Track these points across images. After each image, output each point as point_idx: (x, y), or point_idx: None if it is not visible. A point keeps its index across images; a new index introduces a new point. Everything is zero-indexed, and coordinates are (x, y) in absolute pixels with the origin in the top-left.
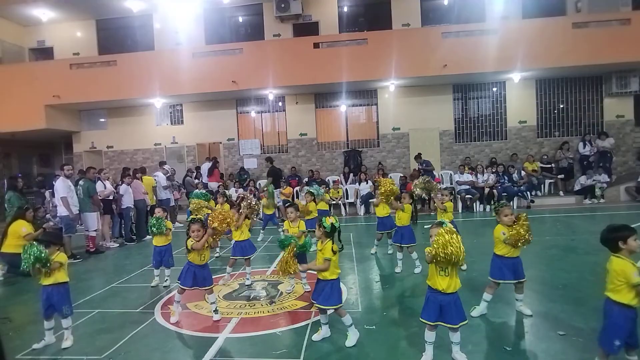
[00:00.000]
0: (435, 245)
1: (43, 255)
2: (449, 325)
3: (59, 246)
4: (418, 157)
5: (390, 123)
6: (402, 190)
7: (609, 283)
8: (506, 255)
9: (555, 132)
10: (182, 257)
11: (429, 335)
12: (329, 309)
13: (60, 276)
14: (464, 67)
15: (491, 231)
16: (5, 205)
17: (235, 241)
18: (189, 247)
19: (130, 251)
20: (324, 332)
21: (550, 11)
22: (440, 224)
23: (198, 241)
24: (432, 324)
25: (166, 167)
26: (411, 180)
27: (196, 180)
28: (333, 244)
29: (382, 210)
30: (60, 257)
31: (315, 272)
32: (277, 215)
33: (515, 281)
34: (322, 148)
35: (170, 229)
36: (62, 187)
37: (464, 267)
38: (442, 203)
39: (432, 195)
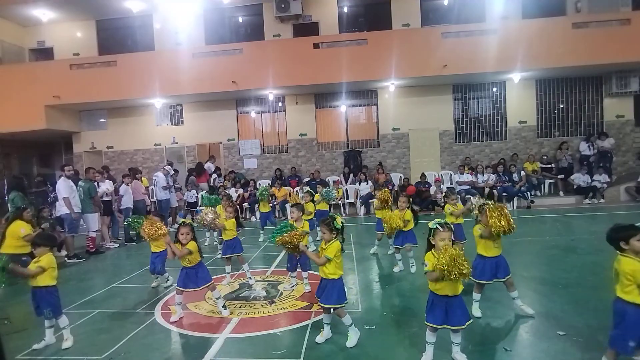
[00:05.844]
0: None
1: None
2: (455, 327)
3: (49, 248)
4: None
5: (390, 123)
6: (402, 193)
7: (619, 283)
8: (487, 255)
9: (555, 132)
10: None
11: (430, 336)
12: (330, 307)
13: (44, 279)
14: (464, 67)
15: None
16: (9, 205)
17: (224, 241)
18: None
19: (130, 251)
20: (326, 333)
21: (550, 11)
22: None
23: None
24: (438, 327)
25: (167, 167)
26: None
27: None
28: (341, 243)
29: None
30: (44, 260)
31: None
32: (274, 215)
33: (493, 280)
34: (322, 148)
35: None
36: (64, 187)
37: None
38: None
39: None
